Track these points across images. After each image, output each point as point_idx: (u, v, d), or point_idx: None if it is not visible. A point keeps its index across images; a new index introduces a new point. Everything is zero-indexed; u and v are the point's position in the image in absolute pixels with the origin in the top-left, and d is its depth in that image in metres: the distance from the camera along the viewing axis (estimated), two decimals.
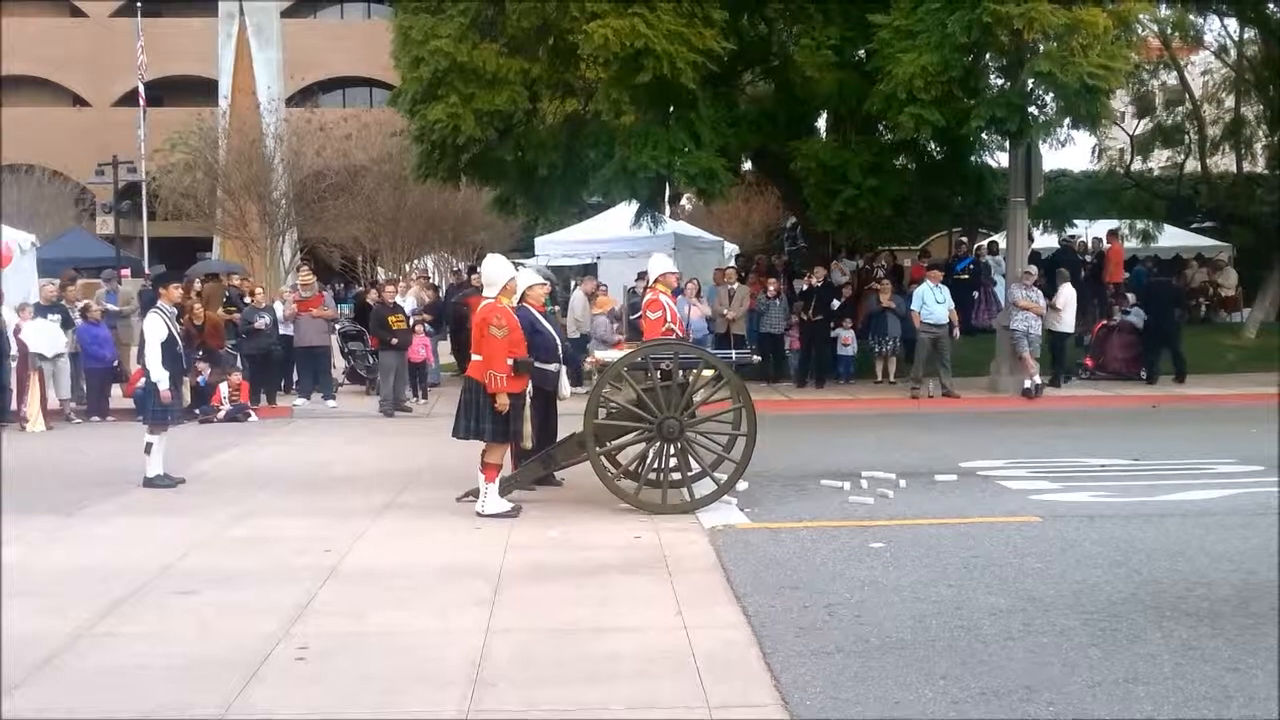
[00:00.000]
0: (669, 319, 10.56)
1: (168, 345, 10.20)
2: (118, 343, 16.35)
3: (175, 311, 10.90)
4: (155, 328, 10.20)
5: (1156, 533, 8.07)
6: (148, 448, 10.26)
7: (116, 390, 15.83)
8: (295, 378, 17.19)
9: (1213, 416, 14.94)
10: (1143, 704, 4.93)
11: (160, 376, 10.11)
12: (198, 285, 18.44)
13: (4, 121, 39.79)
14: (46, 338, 14.86)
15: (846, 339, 18.27)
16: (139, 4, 40.92)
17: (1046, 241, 23.97)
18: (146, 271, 28.28)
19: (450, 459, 10.56)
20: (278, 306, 17.16)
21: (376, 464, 11.63)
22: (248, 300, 17.19)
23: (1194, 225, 27.53)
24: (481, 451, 8.89)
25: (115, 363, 15.97)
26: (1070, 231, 24.06)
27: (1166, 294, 19.20)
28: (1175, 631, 5.89)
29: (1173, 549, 7.59)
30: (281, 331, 16.72)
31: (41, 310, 15.28)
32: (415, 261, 33.98)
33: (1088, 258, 22.93)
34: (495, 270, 9.17)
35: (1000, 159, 18.91)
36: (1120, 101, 23.14)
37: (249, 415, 15.44)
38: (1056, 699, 4.99)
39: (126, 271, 26.76)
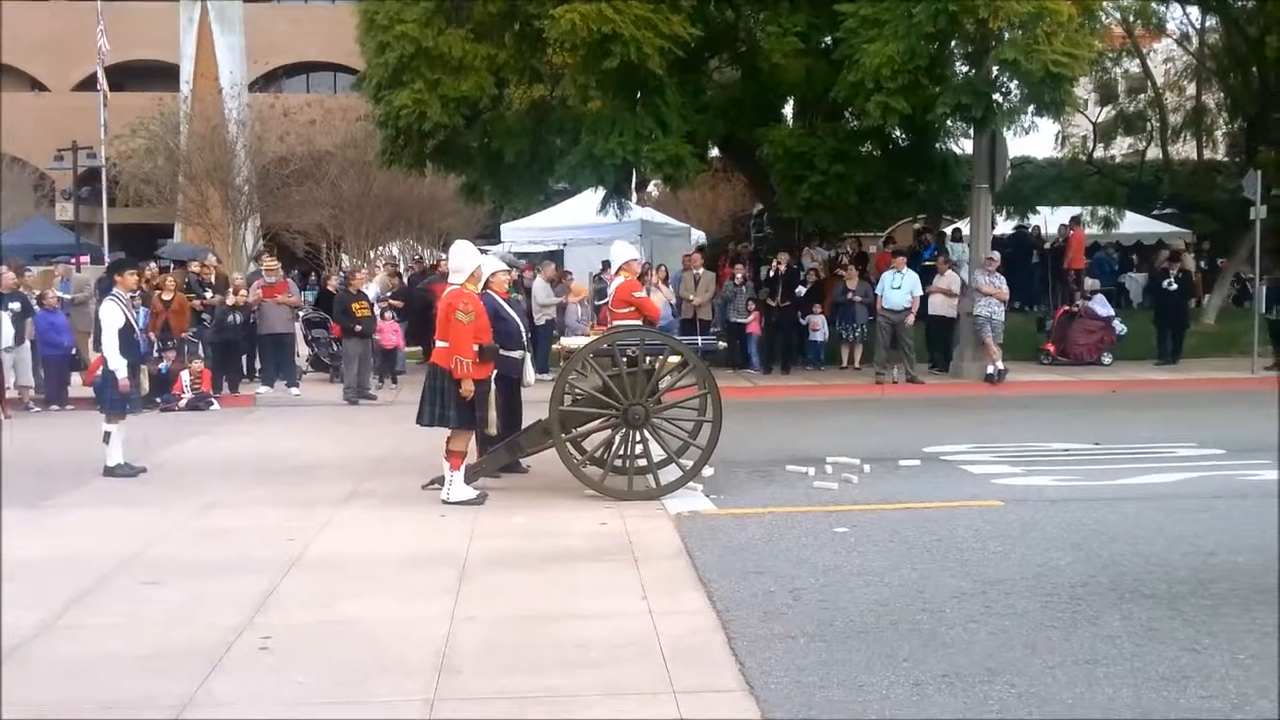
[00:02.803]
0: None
1: (125, 333, 10.07)
2: (74, 330, 16.14)
3: (130, 298, 10.77)
4: (111, 315, 10.06)
5: (1116, 516, 8.16)
6: (106, 437, 10.14)
7: (77, 379, 15.64)
8: (258, 365, 17.06)
9: (1172, 401, 15.13)
10: (1102, 685, 5.00)
11: (118, 365, 9.99)
12: (154, 268, 18.22)
13: None
14: None
15: (816, 324, 18.35)
16: None
17: (1007, 228, 24.20)
18: (106, 258, 27.94)
19: (415, 447, 10.52)
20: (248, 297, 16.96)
21: (341, 452, 11.56)
22: (209, 293, 17.07)
23: (1155, 212, 27.81)
24: (446, 439, 8.86)
25: (73, 350, 15.77)
26: (1026, 220, 24.25)
27: (1187, 286, 19.92)
28: (1134, 613, 5.97)
29: (1132, 532, 7.68)
30: (241, 319, 16.54)
31: (1, 300, 15.05)
32: (380, 248, 33.76)
33: (1047, 244, 23.13)
34: (462, 257, 9.14)
35: (965, 146, 19.02)
36: (1083, 89, 23.31)
37: (211, 404, 15.30)
38: (1017, 680, 5.05)
39: (86, 259, 26.41)
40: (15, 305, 15.06)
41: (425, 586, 6.61)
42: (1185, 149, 27.12)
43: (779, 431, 12.58)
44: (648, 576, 6.77)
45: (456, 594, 6.43)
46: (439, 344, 8.88)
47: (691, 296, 17.85)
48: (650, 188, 34.04)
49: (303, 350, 18.32)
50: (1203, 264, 24.81)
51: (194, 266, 18.73)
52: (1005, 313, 17.20)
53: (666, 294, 17.35)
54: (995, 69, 15.63)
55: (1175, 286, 18.94)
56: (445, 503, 8.73)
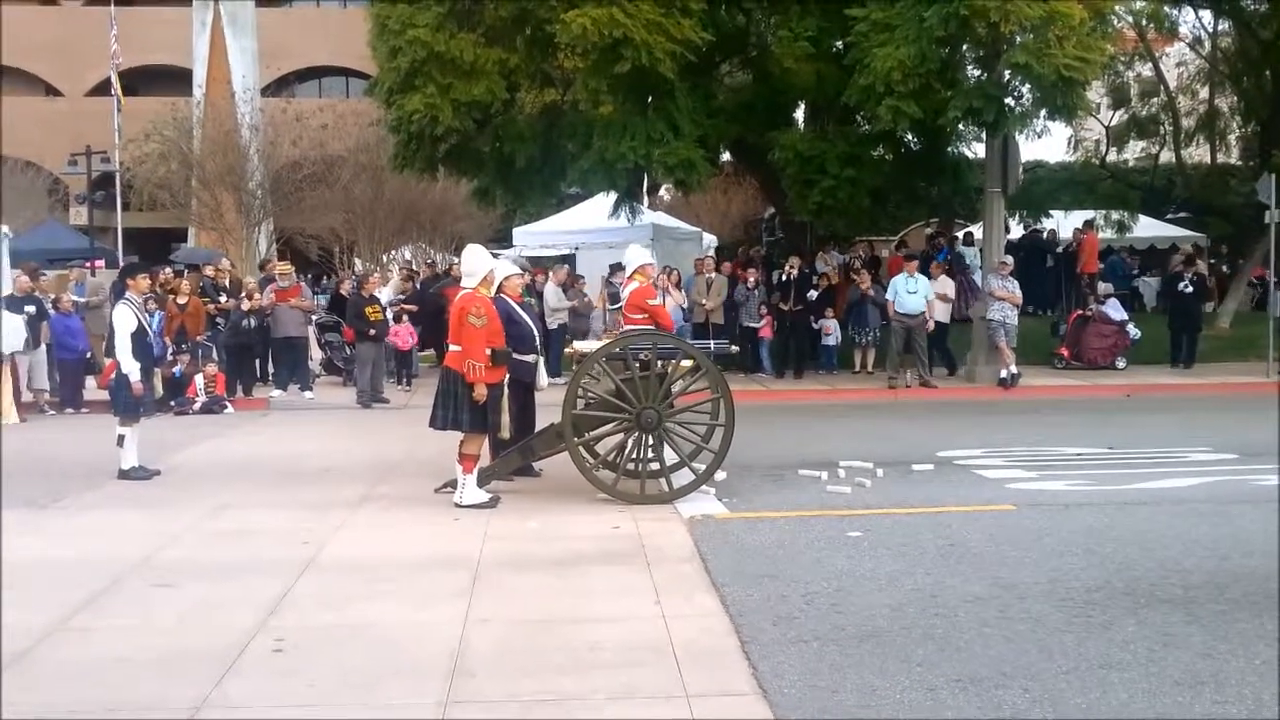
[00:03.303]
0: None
1: (138, 336, 10.12)
2: (89, 334, 16.21)
3: (144, 301, 10.83)
4: (124, 319, 10.10)
5: (1131, 520, 8.13)
6: (120, 440, 10.19)
7: (92, 382, 15.71)
8: (271, 369, 17.11)
9: (1186, 405, 15.07)
10: (1117, 690, 4.98)
11: (131, 368, 10.03)
12: (168, 272, 18.30)
13: None
14: (9, 331, 14.66)
15: (829, 328, 18.34)
16: None
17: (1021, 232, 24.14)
18: (120, 263, 28.07)
19: (428, 450, 10.54)
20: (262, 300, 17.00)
21: (354, 455, 11.59)
22: (223, 297, 17.15)
23: (1168, 216, 27.72)
24: (459, 442, 8.87)
25: (88, 354, 15.85)
26: (1040, 224, 24.21)
27: (1202, 290, 20.00)
28: (1149, 618, 5.94)
29: (1147, 537, 7.65)
30: (256, 323, 16.59)
31: (17, 303, 15.11)
32: (393, 252, 33.84)
33: (1059, 248, 23.09)
34: (474, 261, 9.14)
35: (977, 150, 19.02)
36: (1096, 93, 23.25)
37: (225, 407, 15.35)
38: (1032, 685, 5.03)
39: (100, 263, 26.54)
40: (30, 309, 15.13)
41: (438, 589, 6.61)
42: (1198, 153, 27.03)
43: (791, 435, 12.56)
44: (660, 580, 6.76)
45: (469, 597, 6.44)
46: (452, 348, 8.90)
47: (704, 300, 17.84)
48: (662, 192, 34.06)
49: (316, 354, 18.38)
50: (1224, 267, 24.70)
51: (208, 270, 18.82)
52: (1018, 317, 17.17)
53: (678, 298, 17.34)
54: (1007, 73, 15.62)
55: (1190, 289, 18.90)
56: (458, 506, 8.74)
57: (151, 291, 13.66)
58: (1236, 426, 12.67)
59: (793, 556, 7.29)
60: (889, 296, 16.99)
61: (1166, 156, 26.74)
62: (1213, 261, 25.04)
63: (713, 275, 18.25)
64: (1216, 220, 25.56)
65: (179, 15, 40.62)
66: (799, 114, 20.08)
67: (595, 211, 23.46)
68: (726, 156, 22.27)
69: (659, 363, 9.04)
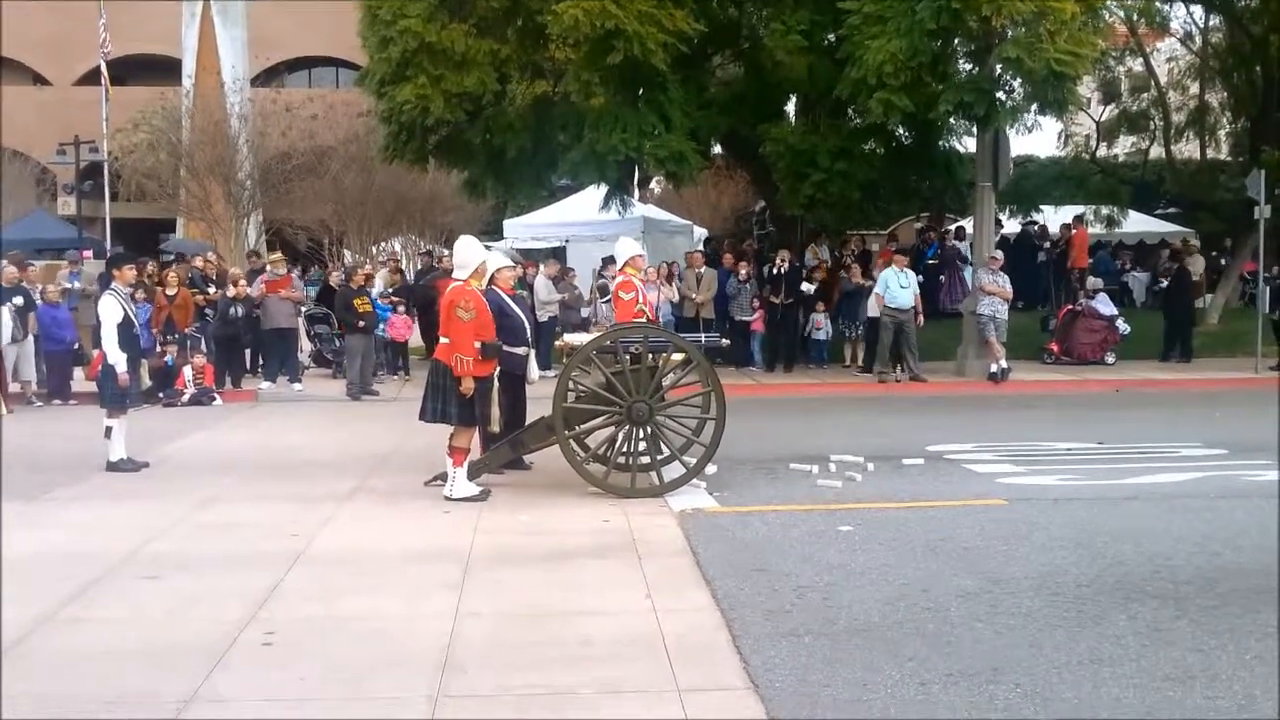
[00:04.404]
0: (641, 301, 10.50)
1: (124, 327, 10.06)
2: (78, 325, 16.14)
3: (130, 292, 10.77)
4: (110, 309, 10.05)
5: (1121, 515, 8.15)
6: (107, 432, 10.14)
7: (80, 373, 15.63)
8: (260, 361, 17.05)
9: (1176, 400, 15.11)
10: (1108, 685, 4.98)
11: (117, 359, 9.97)
12: (153, 266, 18.23)
13: None
14: None
15: (819, 322, 18.33)
16: None
17: (1014, 227, 24.16)
18: (109, 253, 27.92)
19: (418, 443, 10.52)
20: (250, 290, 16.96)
21: (344, 448, 11.55)
22: (212, 288, 17.08)
23: (1158, 211, 27.76)
24: (449, 435, 8.85)
25: (76, 345, 15.77)
26: (1032, 217, 24.25)
27: (1186, 283, 20.01)
28: (1140, 613, 5.95)
29: (1137, 532, 7.67)
30: (244, 312, 16.52)
31: (4, 294, 15.03)
32: (382, 244, 33.74)
33: (1048, 243, 23.12)
34: (466, 252, 9.11)
35: (968, 144, 18.98)
36: (1087, 87, 23.24)
37: (213, 399, 15.30)
38: (1023, 680, 5.03)
39: (89, 253, 26.42)
40: (18, 300, 15.05)
41: (428, 583, 6.59)
42: (1188, 148, 27.05)
43: (782, 429, 12.56)
44: (651, 574, 6.75)
45: (460, 590, 6.42)
46: (442, 340, 8.87)
47: (694, 294, 17.82)
48: (653, 184, 34.00)
49: (305, 346, 18.32)
50: (1223, 261, 24.73)
51: (198, 261, 18.73)
52: (1008, 311, 17.18)
53: (668, 292, 17.31)
54: (998, 67, 15.61)
55: (1166, 283, 19.01)
56: (448, 499, 8.71)
57: (138, 282, 13.58)
58: (1226, 421, 12.71)
59: (784, 551, 7.29)
60: (878, 291, 16.99)
61: (1156, 152, 26.76)
62: (1214, 254, 25.02)
63: (702, 269, 18.22)
64: (1206, 216, 25.60)
65: (168, 5, 40.37)
66: (790, 107, 20.05)
67: (586, 204, 23.42)
68: (718, 149, 22.22)
69: (650, 356, 9.02)
